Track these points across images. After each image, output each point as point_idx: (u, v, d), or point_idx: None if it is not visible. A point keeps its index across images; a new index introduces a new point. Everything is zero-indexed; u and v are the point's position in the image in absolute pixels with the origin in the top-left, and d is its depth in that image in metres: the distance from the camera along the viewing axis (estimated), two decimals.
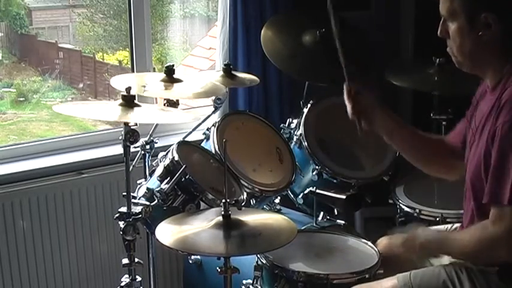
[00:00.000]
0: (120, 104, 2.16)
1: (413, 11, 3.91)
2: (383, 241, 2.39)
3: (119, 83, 2.43)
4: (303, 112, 2.84)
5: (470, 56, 1.93)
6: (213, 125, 2.60)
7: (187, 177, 2.29)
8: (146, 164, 2.59)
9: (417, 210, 2.72)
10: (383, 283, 2.05)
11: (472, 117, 2.08)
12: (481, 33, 1.87)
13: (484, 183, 1.87)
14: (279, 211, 2.84)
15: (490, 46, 1.89)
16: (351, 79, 2.27)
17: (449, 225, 2.33)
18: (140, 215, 2.26)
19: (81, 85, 3.74)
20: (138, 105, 2.18)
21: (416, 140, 2.29)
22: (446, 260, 2.09)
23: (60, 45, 3.69)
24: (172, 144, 2.43)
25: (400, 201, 2.83)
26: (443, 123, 3.12)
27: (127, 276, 2.35)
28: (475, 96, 2.12)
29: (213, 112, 2.77)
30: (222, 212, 1.96)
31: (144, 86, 2.45)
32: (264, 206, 2.72)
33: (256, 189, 2.50)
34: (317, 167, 2.72)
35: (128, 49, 3.34)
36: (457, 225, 2.28)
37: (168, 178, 2.30)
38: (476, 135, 1.96)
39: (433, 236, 2.02)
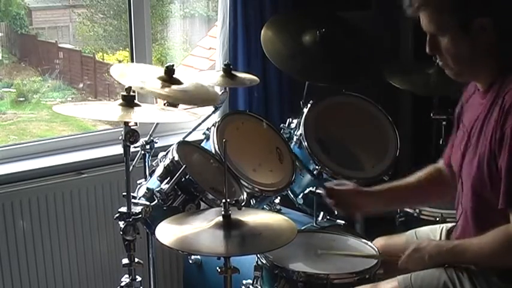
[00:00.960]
0: (120, 104, 2.16)
1: None
2: (379, 242, 2.39)
3: (119, 74, 2.42)
4: (303, 112, 2.84)
5: (468, 63, 1.91)
6: (213, 125, 2.60)
7: (187, 177, 2.29)
8: (146, 164, 2.59)
9: (417, 210, 2.72)
10: (383, 285, 2.04)
11: (460, 118, 2.08)
12: (476, 39, 1.84)
13: (489, 187, 1.86)
14: (279, 211, 2.84)
15: (485, 49, 1.87)
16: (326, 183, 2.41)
17: (443, 225, 2.33)
18: (140, 215, 2.26)
19: (81, 85, 3.73)
20: (138, 105, 2.18)
21: (414, 191, 2.29)
22: None
23: (60, 45, 3.69)
24: (172, 144, 2.43)
25: None
26: (443, 123, 3.12)
27: (127, 276, 2.34)
28: (461, 100, 2.12)
29: (213, 112, 2.77)
30: (222, 212, 1.96)
31: (143, 83, 2.44)
32: (264, 206, 2.72)
33: (256, 189, 2.50)
34: (317, 167, 2.72)
35: (128, 49, 3.34)
36: (450, 225, 2.27)
37: (168, 178, 2.30)
38: (472, 138, 1.94)
39: (443, 247, 2.00)
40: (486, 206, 1.89)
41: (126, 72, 2.32)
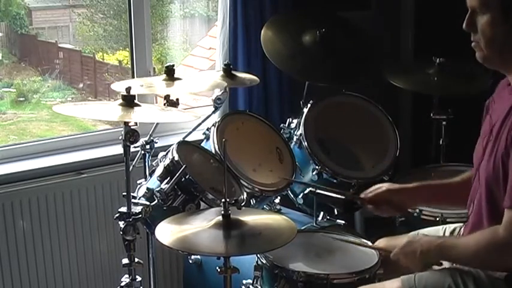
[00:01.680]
0: (120, 104, 2.16)
1: (413, 11, 3.91)
2: (382, 243, 2.39)
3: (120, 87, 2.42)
4: (303, 112, 2.84)
5: (501, 49, 1.88)
6: (213, 125, 2.60)
7: (187, 177, 2.29)
8: (146, 164, 2.59)
9: (417, 210, 2.72)
10: (387, 284, 2.04)
11: (489, 110, 2.06)
12: None
13: (501, 185, 1.85)
14: (279, 211, 2.84)
15: None
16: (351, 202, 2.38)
17: (447, 226, 2.33)
18: (140, 215, 2.26)
19: (81, 85, 3.73)
20: (138, 105, 2.18)
21: (445, 191, 2.28)
22: (447, 264, 2.08)
23: (60, 45, 3.69)
24: (172, 144, 2.43)
25: None
26: (443, 123, 3.12)
27: (127, 276, 2.35)
28: (495, 92, 2.09)
29: (213, 112, 2.77)
30: (222, 212, 1.96)
31: (142, 86, 2.44)
32: (264, 206, 2.72)
33: (256, 189, 2.50)
34: (317, 167, 2.72)
35: (128, 49, 3.34)
36: (456, 225, 2.27)
37: (168, 178, 2.30)
38: (494, 133, 1.93)
39: (433, 242, 1.99)
40: (499, 205, 1.86)
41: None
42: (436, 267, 2.05)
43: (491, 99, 2.09)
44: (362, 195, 2.34)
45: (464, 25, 1.92)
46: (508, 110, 1.89)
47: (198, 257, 2.65)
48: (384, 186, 2.33)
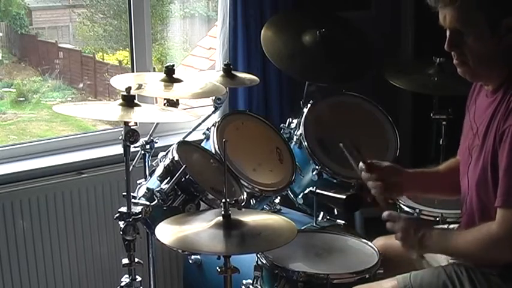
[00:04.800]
0: (120, 104, 2.16)
1: (413, 11, 3.92)
2: (380, 241, 2.39)
3: (119, 82, 2.42)
4: (303, 112, 2.84)
5: (489, 63, 1.89)
6: (213, 125, 2.60)
7: (187, 177, 2.29)
8: (146, 164, 2.59)
9: (417, 210, 2.72)
10: (383, 284, 2.05)
11: (469, 109, 2.07)
12: (500, 39, 1.83)
13: (491, 187, 1.86)
14: (279, 211, 2.84)
15: (506, 51, 1.85)
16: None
17: (445, 226, 2.32)
18: (140, 215, 2.26)
19: (81, 85, 3.74)
20: (138, 105, 2.18)
21: (439, 179, 2.26)
22: (444, 259, 2.09)
23: (60, 45, 3.69)
24: (172, 144, 2.44)
25: (400, 201, 2.82)
26: (443, 123, 3.12)
27: (127, 276, 2.34)
28: (471, 93, 2.11)
29: (213, 112, 2.77)
30: (222, 212, 1.96)
31: (140, 85, 2.42)
32: (264, 206, 2.72)
33: (256, 189, 2.50)
34: (317, 167, 2.72)
35: (127, 49, 3.34)
36: (456, 225, 2.27)
37: (168, 178, 2.30)
38: (479, 138, 1.94)
39: (433, 233, 1.99)
40: (489, 207, 1.88)
41: (127, 82, 2.31)
42: (432, 260, 2.06)
43: (471, 99, 2.09)
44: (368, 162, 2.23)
45: (446, 47, 1.91)
46: (492, 114, 1.89)
47: (198, 257, 2.65)
48: (387, 163, 2.27)
